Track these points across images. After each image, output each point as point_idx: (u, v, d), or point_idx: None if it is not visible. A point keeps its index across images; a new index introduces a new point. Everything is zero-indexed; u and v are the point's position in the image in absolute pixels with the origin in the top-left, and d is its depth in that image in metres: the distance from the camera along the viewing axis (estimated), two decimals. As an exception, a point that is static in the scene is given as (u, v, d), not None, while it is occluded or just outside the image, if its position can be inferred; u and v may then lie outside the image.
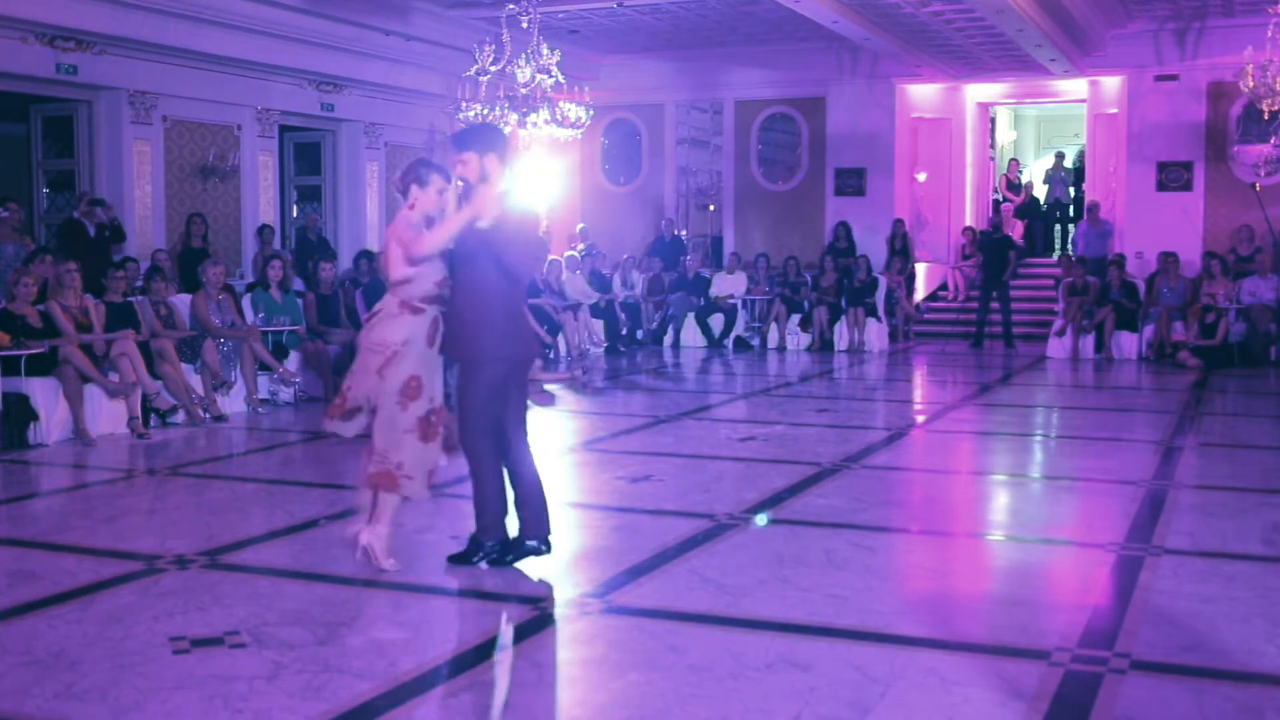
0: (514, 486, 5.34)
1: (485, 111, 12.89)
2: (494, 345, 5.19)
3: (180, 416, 9.62)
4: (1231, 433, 9.62)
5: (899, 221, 17.62)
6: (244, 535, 6.04)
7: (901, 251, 17.31)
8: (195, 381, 9.89)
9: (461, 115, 13.10)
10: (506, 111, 12.84)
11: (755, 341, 16.17)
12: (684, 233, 19.10)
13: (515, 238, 5.19)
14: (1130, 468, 7.72)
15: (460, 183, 5.37)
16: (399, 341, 5.16)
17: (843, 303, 15.80)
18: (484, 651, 4.37)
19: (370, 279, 12.45)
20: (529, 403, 5.51)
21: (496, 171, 5.27)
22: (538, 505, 5.32)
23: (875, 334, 15.65)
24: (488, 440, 5.25)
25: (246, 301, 11.14)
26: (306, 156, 16.38)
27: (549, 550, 5.35)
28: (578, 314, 15.21)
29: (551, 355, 14.28)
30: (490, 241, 5.14)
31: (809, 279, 16.45)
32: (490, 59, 12.46)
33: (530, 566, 5.52)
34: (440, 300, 5.24)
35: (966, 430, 9.96)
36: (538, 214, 5.37)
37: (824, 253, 17.20)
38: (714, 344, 16.21)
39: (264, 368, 10.49)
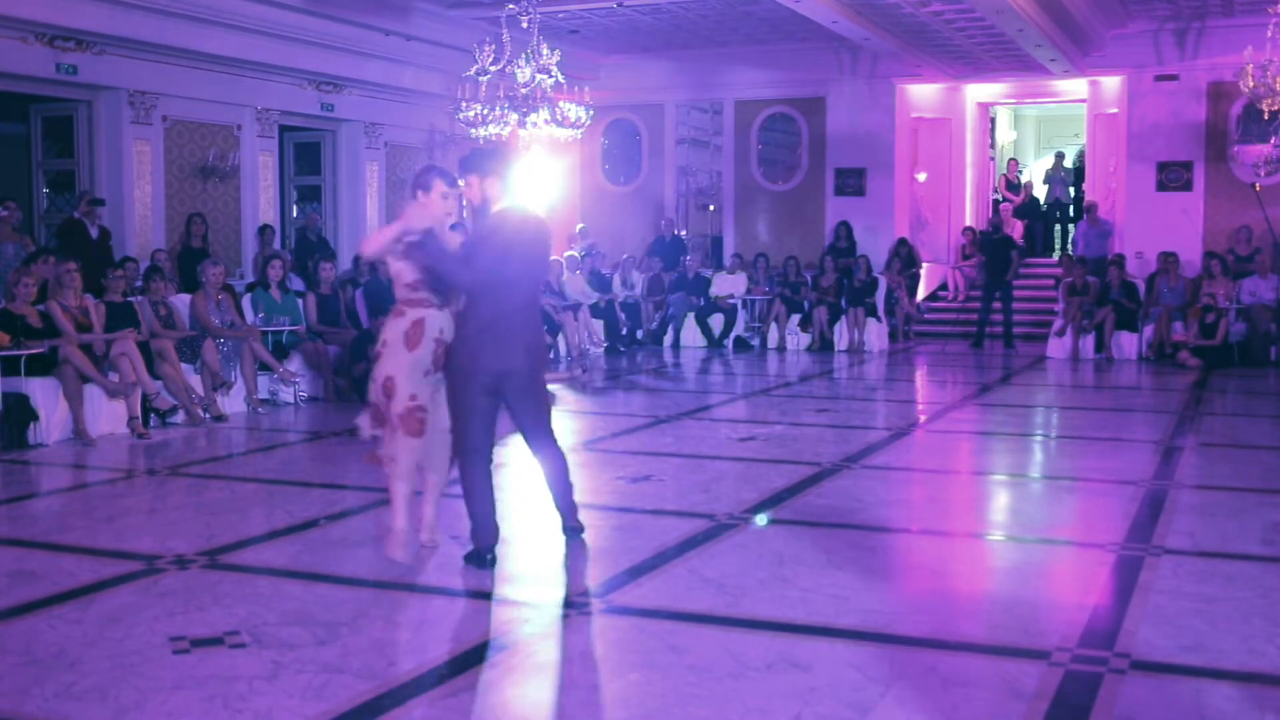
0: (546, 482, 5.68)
1: (485, 111, 12.89)
2: (466, 358, 5.24)
3: (180, 416, 9.62)
4: (1231, 433, 9.61)
5: (903, 241, 17.64)
6: (244, 535, 6.04)
7: (907, 261, 17.35)
8: (195, 381, 9.89)
9: (461, 115, 13.10)
10: (506, 111, 12.83)
11: (755, 341, 16.17)
12: (684, 233, 19.10)
13: (445, 250, 5.26)
14: (1130, 468, 7.71)
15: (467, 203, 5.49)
16: (381, 341, 5.47)
17: (843, 303, 15.80)
18: (484, 651, 4.36)
19: (370, 279, 12.45)
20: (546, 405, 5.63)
21: (497, 193, 5.37)
22: (560, 497, 5.67)
23: (875, 334, 15.65)
24: (471, 450, 5.30)
25: (246, 301, 11.15)
26: (306, 156, 16.37)
27: (579, 531, 5.73)
28: (578, 314, 15.21)
29: (551, 355, 14.29)
30: (424, 254, 5.27)
31: (809, 279, 16.46)
32: (490, 59, 12.44)
33: (530, 567, 5.53)
34: (424, 303, 5.39)
35: (966, 430, 9.96)
36: (528, 219, 5.44)
37: (824, 253, 17.21)
38: (714, 344, 16.20)
39: (264, 368, 10.49)
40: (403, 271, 5.38)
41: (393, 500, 5.42)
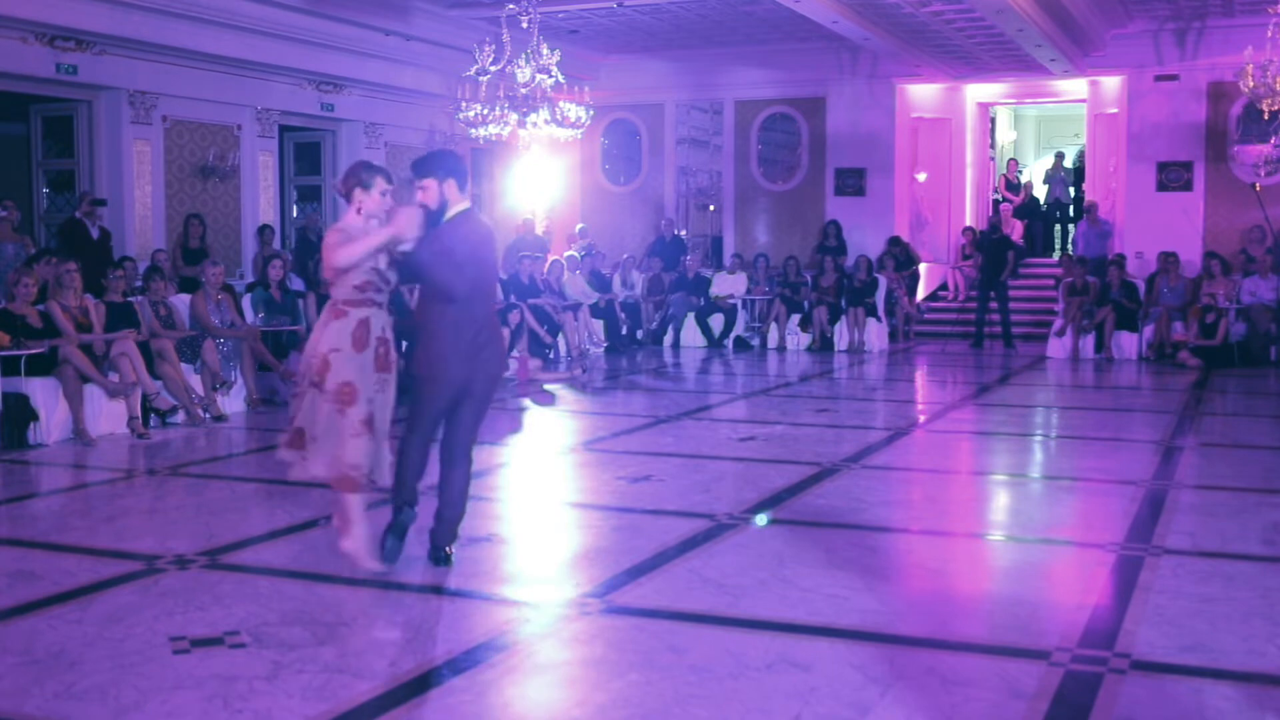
0: (438, 495, 5.41)
1: (485, 111, 12.89)
2: (440, 368, 5.20)
3: (180, 416, 9.61)
4: (1231, 433, 9.61)
5: (896, 240, 17.62)
6: (244, 535, 6.04)
7: (903, 261, 17.35)
8: (195, 381, 9.89)
9: (461, 115, 13.10)
10: (506, 111, 12.83)
11: (755, 341, 16.17)
12: (684, 233, 19.10)
13: (439, 257, 5.14)
14: (1130, 468, 7.72)
15: (422, 207, 5.29)
16: (326, 350, 5.20)
17: (842, 303, 15.80)
18: (484, 651, 4.36)
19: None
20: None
21: (455, 197, 5.29)
22: (451, 519, 5.39)
23: (875, 334, 15.65)
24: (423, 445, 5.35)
25: (246, 301, 11.14)
26: (306, 156, 16.36)
27: (447, 564, 5.36)
28: (578, 314, 15.20)
29: (552, 355, 14.29)
30: (414, 262, 5.18)
31: (809, 279, 16.46)
32: (490, 59, 12.45)
33: (530, 567, 5.53)
34: (371, 302, 5.23)
35: (966, 430, 9.96)
36: (488, 228, 5.44)
37: (813, 251, 17.26)
38: (714, 344, 16.20)
39: (264, 367, 10.49)
40: (351, 274, 5.18)
41: (350, 510, 5.25)
